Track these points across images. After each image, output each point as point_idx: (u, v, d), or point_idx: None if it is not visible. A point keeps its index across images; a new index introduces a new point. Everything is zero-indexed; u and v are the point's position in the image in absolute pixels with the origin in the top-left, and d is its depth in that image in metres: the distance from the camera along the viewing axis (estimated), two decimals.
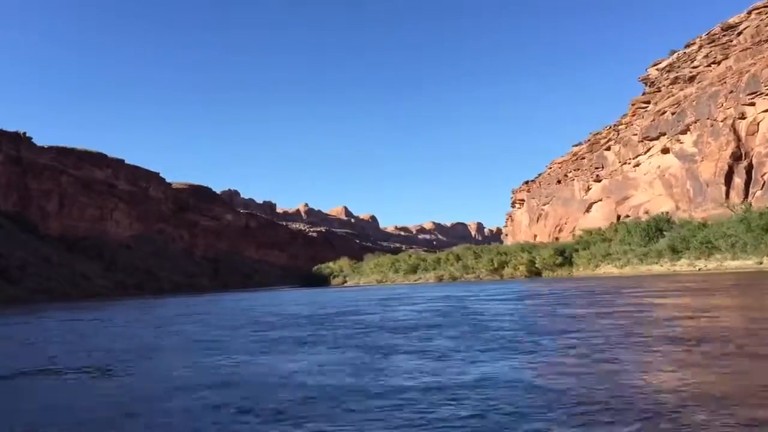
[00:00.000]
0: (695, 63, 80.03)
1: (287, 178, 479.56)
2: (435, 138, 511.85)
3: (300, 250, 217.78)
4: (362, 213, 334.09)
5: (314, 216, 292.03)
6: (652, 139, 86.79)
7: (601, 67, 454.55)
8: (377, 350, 11.16)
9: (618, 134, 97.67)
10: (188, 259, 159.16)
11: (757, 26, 71.74)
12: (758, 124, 68.31)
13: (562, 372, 8.22)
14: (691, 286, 28.83)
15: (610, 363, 8.74)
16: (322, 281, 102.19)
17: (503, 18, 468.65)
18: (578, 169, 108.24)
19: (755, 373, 7.63)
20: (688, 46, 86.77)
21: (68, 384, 9.50)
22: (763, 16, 72.14)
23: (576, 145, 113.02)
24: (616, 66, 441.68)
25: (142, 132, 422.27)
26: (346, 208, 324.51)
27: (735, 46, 74.17)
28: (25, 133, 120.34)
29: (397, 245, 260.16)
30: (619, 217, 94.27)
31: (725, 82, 72.51)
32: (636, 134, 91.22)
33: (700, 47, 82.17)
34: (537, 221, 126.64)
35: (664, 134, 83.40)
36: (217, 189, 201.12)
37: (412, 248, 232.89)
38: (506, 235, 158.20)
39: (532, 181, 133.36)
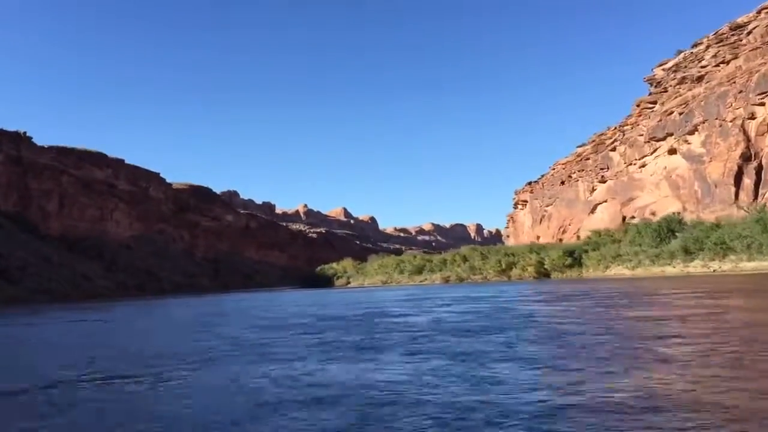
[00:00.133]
0: (703, 63, 79.41)
1: (286, 179, 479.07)
2: (434, 139, 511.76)
3: (300, 250, 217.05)
4: (361, 214, 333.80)
5: (313, 217, 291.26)
6: (658, 140, 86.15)
7: (601, 69, 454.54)
8: (464, 357, 10.11)
9: (623, 135, 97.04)
10: (189, 260, 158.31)
11: (766, 25, 71.18)
12: None
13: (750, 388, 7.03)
14: (732, 287, 27.97)
15: None
16: (326, 282, 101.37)
17: (503, 19, 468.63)
18: (583, 170, 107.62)
19: None
20: (695, 45, 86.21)
21: (131, 395, 8.57)
22: None
23: (580, 146, 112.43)
24: (616, 67, 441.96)
25: (141, 132, 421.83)
26: (345, 209, 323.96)
27: (744, 45, 73.59)
28: (25, 133, 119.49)
29: (397, 246, 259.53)
30: (624, 218, 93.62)
31: (734, 82, 71.91)
32: (642, 135, 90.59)
33: (708, 47, 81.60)
34: (540, 222, 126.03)
35: (671, 135, 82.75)
36: (217, 189, 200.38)
37: (411, 249, 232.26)
38: (507, 236, 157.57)
39: (535, 182, 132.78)
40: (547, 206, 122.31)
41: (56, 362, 11.92)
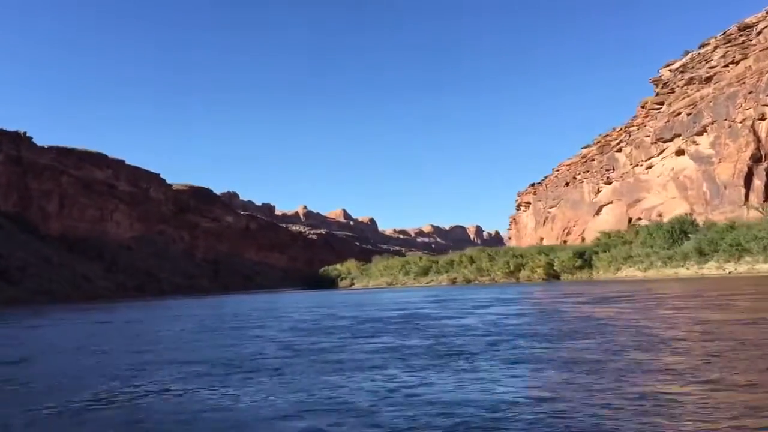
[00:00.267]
0: (712, 63, 78.82)
1: (286, 180, 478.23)
2: (434, 141, 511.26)
3: (300, 252, 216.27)
4: (361, 216, 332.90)
5: (313, 218, 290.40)
6: (665, 141, 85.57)
7: (601, 70, 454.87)
8: (584, 367, 8.73)
9: (629, 136, 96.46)
10: (189, 261, 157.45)
11: None
12: None
13: None
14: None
15: None
16: (329, 283, 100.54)
17: (502, 20, 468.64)
18: (588, 172, 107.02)
19: None
20: (702, 46, 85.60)
21: (230, 412, 7.14)
22: None
23: (585, 147, 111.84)
24: (616, 69, 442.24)
25: (141, 132, 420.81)
26: (344, 211, 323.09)
27: (754, 45, 73.02)
28: (25, 133, 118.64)
29: (397, 248, 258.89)
30: (630, 219, 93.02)
31: (744, 83, 71.33)
32: (649, 136, 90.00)
33: (716, 47, 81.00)
34: (544, 224, 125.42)
35: (679, 136, 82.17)
36: (217, 191, 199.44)
37: (411, 251, 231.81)
38: (509, 238, 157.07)
39: (539, 183, 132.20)
40: (551, 208, 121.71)
41: (121, 368, 10.87)
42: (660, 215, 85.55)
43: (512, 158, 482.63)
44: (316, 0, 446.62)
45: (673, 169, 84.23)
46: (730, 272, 48.78)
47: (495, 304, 25.73)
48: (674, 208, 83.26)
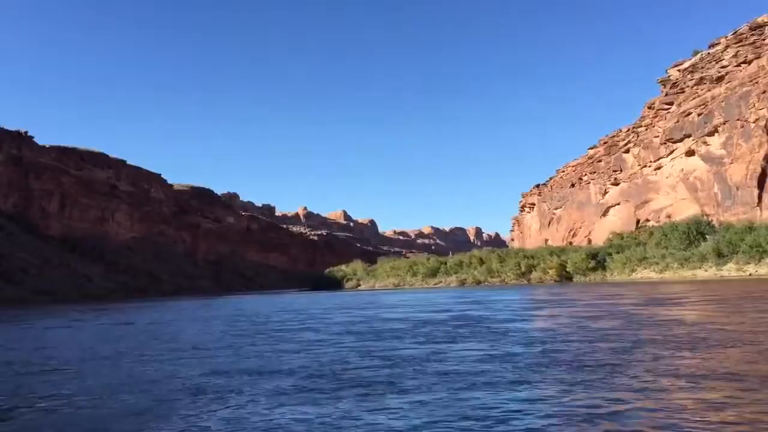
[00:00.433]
0: (723, 63, 77.97)
1: (286, 181, 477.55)
2: (434, 142, 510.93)
3: (301, 253, 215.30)
4: (361, 217, 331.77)
5: (313, 219, 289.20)
6: (675, 141, 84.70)
7: (603, 71, 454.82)
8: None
9: (638, 136, 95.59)
10: (190, 262, 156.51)
11: None
12: None
13: None
14: None
15: None
16: (335, 284, 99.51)
17: (501, 22, 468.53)
18: (594, 172, 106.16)
19: None
20: (712, 46, 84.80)
21: None
22: None
23: (592, 148, 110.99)
24: (616, 70, 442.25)
25: (142, 132, 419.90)
26: (345, 212, 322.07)
27: (767, 45, 72.21)
28: (26, 133, 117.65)
29: (398, 249, 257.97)
30: (638, 221, 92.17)
31: (757, 82, 70.47)
32: (657, 136, 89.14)
33: (727, 47, 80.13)
34: (548, 225, 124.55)
35: (689, 136, 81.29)
36: (217, 191, 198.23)
37: (411, 252, 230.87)
38: (512, 239, 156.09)
39: (543, 184, 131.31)
40: (556, 209, 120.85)
41: (195, 379, 9.81)
42: (669, 216, 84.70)
43: (512, 160, 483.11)
44: (318, 0, 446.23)
45: (682, 169, 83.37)
46: (750, 274, 47.96)
47: (544, 306, 24.48)
48: (684, 209, 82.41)
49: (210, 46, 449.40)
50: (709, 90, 79.45)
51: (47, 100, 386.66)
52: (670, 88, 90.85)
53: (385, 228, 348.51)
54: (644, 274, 58.05)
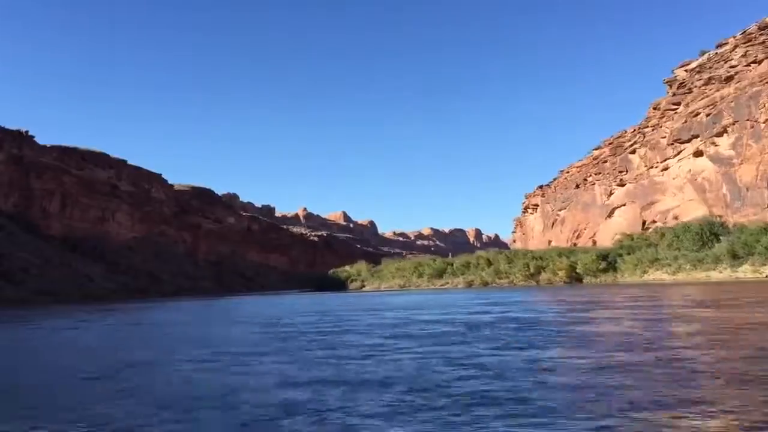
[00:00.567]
0: (732, 62, 77.43)
1: (286, 182, 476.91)
2: (434, 144, 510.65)
3: (301, 254, 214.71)
4: (361, 218, 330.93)
5: (313, 220, 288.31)
6: (682, 142, 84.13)
7: (602, 73, 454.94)
8: None
9: (644, 137, 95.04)
10: (190, 262, 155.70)
11: None
12: None
13: None
14: None
15: None
16: (338, 285, 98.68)
17: (501, 23, 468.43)
18: (600, 173, 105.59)
19: None
20: (720, 46, 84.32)
21: None
22: None
23: (596, 149, 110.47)
24: (615, 71, 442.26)
25: (142, 132, 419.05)
26: (345, 213, 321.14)
27: None
28: (27, 132, 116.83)
29: (398, 250, 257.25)
30: (644, 222, 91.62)
31: (767, 82, 69.99)
32: (664, 137, 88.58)
33: (735, 47, 79.64)
34: (552, 226, 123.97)
35: (697, 137, 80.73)
36: (216, 192, 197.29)
37: (411, 254, 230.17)
38: (514, 241, 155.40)
39: (547, 185, 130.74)
40: (560, 210, 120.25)
41: (287, 391, 8.74)
42: (676, 218, 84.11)
43: (512, 161, 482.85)
44: (318, 1, 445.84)
45: (690, 170, 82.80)
46: (767, 276, 47.32)
47: (585, 308, 22.90)
48: (691, 210, 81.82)
49: (210, 46, 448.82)
50: (718, 90, 78.90)
51: (48, 100, 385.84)
52: (677, 88, 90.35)
53: (385, 229, 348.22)
54: (656, 275, 57.37)
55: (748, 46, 77.20)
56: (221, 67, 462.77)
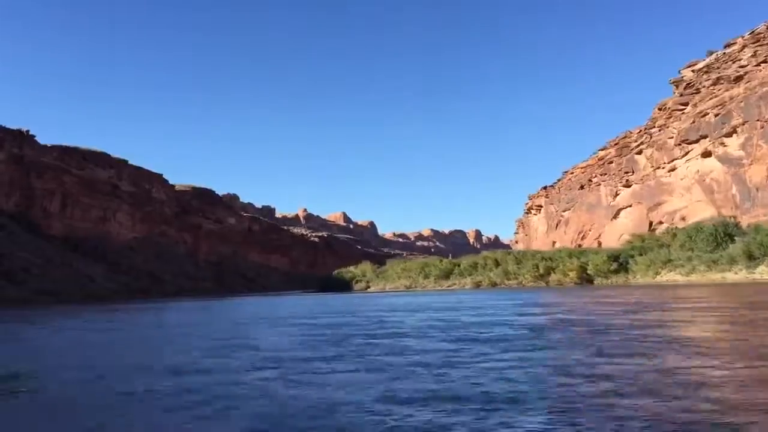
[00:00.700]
0: (742, 62, 76.87)
1: (286, 182, 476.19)
2: (434, 145, 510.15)
3: (302, 255, 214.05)
4: (361, 219, 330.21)
5: (313, 221, 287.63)
6: (690, 143, 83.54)
7: (602, 74, 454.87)
8: None
9: (650, 137, 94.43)
10: (191, 263, 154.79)
11: None
12: None
13: None
14: None
15: None
16: (343, 286, 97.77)
17: (501, 24, 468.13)
18: (605, 174, 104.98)
19: None
20: (728, 46, 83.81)
21: None
22: None
23: (602, 149, 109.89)
24: (615, 73, 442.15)
25: (142, 132, 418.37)
26: (344, 214, 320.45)
27: None
28: (28, 132, 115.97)
29: (398, 252, 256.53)
30: (651, 223, 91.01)
31: None
32: (672, 137, 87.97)
33: (744, 47, 79.12)
34: (556, 228, 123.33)
35: (706, 137, 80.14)
36: (217, 192, 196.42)
37: (412, 255, 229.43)
38: (516, 242, 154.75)
39: (551, 186, 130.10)
40: (564, 211, 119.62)
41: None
42: (683, 219, 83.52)
43: (512, 162, 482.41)
44: (318, 2, 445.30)
45: (698, 171, 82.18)
46: None
47: (641, 310, 21.49)
48: (699, 211, 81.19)
49: (210, 46, 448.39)
50: (727, 90, 78.31)
51: (48, 100, 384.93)
52: (685, 88, 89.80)
53: (385, 230, 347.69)
54: (669, 276, 56.68)
55: (757, 46, 76.70)
56: (221, 67, 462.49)
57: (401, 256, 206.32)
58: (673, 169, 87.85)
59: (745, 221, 67.48)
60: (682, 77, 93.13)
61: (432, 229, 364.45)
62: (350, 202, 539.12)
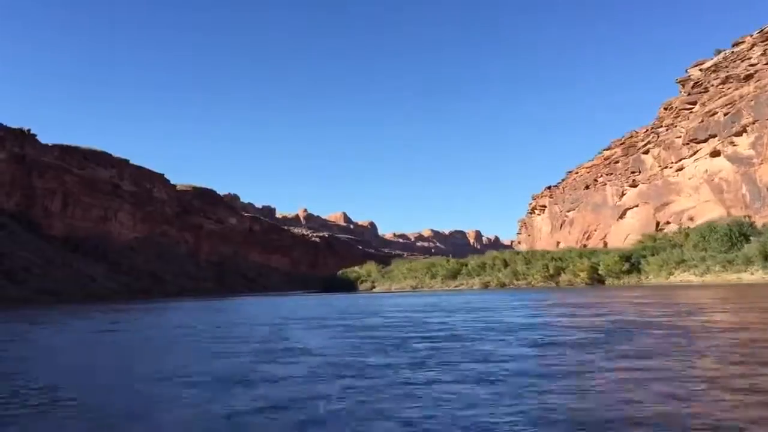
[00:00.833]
0: (752, 61, 76.11)
1: (286, 183, 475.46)
2: (435, 146, 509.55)
3: (302, 255, 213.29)
4: (361, 219, 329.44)
5: (313, 221, 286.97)
6: (699, 142, 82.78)
7: (602, 74, 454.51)
8: None
9: (657, 137, 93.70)
10: (192, 263, 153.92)
11: None
12: None
13: None
14: None
15: None
16: (348, 286, 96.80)
17: (502, 24, 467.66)
18: (611, 174, 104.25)
19: None
20: (736, 44, 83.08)
21: None
22: None
23: (607, 149, 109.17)
24: (616, 73, 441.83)
25: (143, 132, 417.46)
26: (345, 214, 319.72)
27: None
28: (29, 131, 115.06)
29: (398, 252, 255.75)
30: (658, 223, 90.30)
31: None
32: (679, 137, 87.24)
33: (753, 45, 78.37)
34: (561, 228, 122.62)
35: (714, 136, 79.38)
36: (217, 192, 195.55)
37: (412, 255, 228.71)
38: (519, 242, 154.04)
39: (555, 186, 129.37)
40: (569, 211, 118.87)
41: None
42: (691, 219, 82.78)
43: (512, 163, 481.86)
44: (318, 2, 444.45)
45: (707, 170, 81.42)
46: None
47: (689, 312, 19.95)
48: (707, 211, 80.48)
49: (210, 46, 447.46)
50: (736, 89, 77.54)
51: (49, 100, 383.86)
52: (692, 87, 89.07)
53: (385, 230, 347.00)
54: (683, 277, 55.87)
55: (766, 44, 75.97)
56: (221, 67, 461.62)
57: (402, 256, 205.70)
58: (680, 169, 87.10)
59: (755, 221, 66.67)
60: (689, 76, 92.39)
61: (432, 230, 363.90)
62: (350, 202, 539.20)
